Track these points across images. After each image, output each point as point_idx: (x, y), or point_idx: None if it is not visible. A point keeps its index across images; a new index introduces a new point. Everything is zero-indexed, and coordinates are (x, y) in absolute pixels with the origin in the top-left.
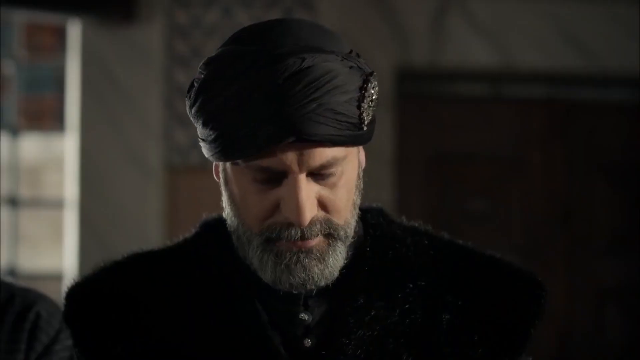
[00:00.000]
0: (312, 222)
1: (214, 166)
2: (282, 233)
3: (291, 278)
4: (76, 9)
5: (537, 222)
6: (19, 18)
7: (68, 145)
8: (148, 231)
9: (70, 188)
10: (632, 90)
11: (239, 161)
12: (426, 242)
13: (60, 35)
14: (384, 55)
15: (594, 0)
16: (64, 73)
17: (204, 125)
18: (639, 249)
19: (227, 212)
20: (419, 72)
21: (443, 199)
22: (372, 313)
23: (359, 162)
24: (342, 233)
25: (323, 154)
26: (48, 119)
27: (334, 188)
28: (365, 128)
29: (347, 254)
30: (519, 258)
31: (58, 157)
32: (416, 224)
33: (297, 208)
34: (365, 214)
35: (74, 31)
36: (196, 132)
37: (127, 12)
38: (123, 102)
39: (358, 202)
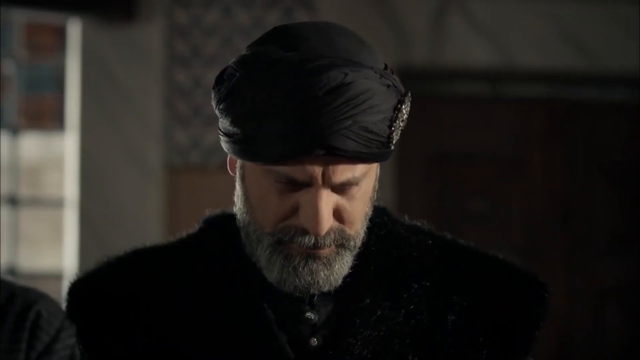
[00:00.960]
0: (327, 232)
1: (228, 159)
2: (295, 237)
3: (297, 280)
4: (76, 9)
5: (537, 222)
6: (19, 18)
7: (68, 145)
8: (148, 231)
9: (70, 188)
10: (632, 90)
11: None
12: (430, 241)
13: (60, 35)
14: (384, 55)
15: (593, 0)
16: (64, 73)
17: (233, 123)
18: (639, 249)
19: (238, 207)
20: (419, 72)
21: (443, 199)
22: (378, 313)
23: (377, 175)
24: (352, 243)
25: (346, 171)
26: (48, 118)
27: (352, 200)
28: (392, 147)
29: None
30: (519, 258)
31: (58, 156)
32: (419, 223)
33: (316, 218)
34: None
35: (74, 31)
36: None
37: (127, 12)
38: (123, 102)
39: (370, 213)
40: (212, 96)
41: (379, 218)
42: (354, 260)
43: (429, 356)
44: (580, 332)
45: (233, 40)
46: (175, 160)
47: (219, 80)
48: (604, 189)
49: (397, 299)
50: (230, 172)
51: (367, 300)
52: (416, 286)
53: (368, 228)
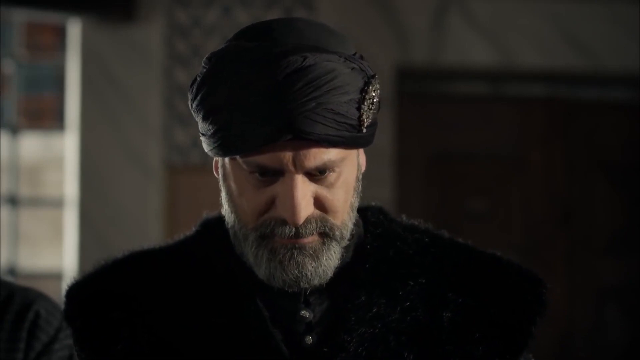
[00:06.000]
0: (307, 221)
1: (214, 162)
2: (275, 229)
3: (284, 274)
4: (76, 8)
5: (537, 222)
6: (19, 17)
7: (68, 145)
8: (148, 231)
9: (70, 187)
10: (632, 90)
11: (237, 157)
12: (426, 240)
13: (60, 34)
14: (384, 55)
15: (594, 0)
16: (63, 72)
17: (204, 119)
18: (639, 249)
19: (225, 208)
20: (419, 71)
21: (443, 198)
22: (374, 310)
23: (359, 165)
24: (337, 233)
25: (319, 156)
26: (48, 118)
27: (331, 188)
28: (364, 130)
29: (343, 255)
30: (519, 258)
31: (58, 156)
32: (416, 222)
33: (292, 207)
34: (366, 212)
35: (74, 30)
36: (196, 131)
37: (127, 12)
38: (123, 102)
39: (356, 204)
40: (188, 97)
41: (374, 217)
42: (351, 256)
43: (425, 353)
44: (580, 332)
45: None
46: (175, 160)
47: (193, 81)
48: (604, 189)
49: (393, 296)
50: (215, 174)
51: (363, 298)
52: (412, 283)
53: (364, 227)
